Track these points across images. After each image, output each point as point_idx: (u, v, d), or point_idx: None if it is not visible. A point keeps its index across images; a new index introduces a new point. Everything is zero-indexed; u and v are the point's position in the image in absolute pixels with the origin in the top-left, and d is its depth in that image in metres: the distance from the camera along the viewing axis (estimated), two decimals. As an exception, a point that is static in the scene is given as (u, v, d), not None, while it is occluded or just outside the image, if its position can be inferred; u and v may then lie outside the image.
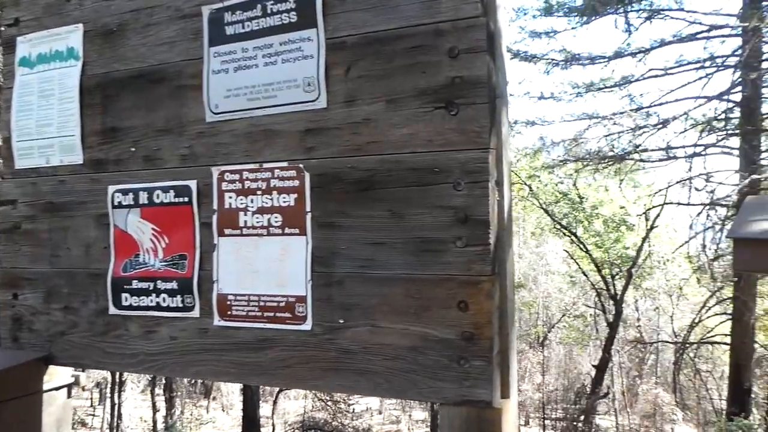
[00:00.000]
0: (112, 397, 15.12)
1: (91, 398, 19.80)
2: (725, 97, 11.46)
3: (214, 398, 20.33)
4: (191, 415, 16.64)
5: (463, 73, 1.43)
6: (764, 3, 10.75)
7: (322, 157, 1.57)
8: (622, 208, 15.28)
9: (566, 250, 16.09)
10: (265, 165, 1.65)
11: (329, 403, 15.41)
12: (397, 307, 1.49)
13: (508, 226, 1.50)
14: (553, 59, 12.20)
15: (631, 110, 12.02)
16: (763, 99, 11.34)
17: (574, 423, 14.47)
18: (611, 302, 14.31)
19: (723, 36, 11.63)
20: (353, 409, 16.22)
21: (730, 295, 12.30)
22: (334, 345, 1.55)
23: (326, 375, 1.57)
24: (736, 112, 11.82)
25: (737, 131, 11.75)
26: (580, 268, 14.84)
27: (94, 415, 18.22)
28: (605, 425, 16.53)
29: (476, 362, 1.41)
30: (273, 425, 15.70)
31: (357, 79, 1.55)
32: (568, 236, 14.62)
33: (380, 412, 20.60)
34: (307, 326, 1.59)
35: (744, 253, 1.70)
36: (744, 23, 10.42)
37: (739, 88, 11.28)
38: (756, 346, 12.58)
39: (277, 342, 1.63)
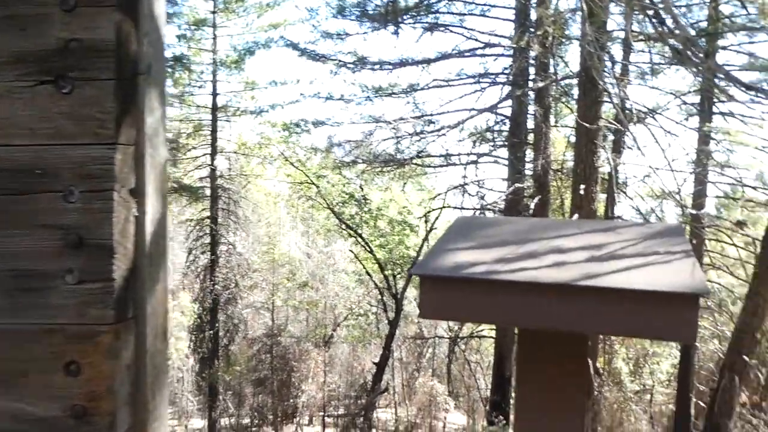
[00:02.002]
0: None
1: None
2: (496, 110, 12.32)
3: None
4: None
5: (82, 34, 0.97)
6: (531, 28, 11.73)
7: None
8: (404, 208, 15.86)
9: (352, 250, 16.31)
10: None
11: None
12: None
13: (156, 251, 1.10)
14: (341, 61, 12.18)
15: (414, 117, 12.43)
16: (528, 114, 12.38)
17: (354, 419, 14.66)
18: (393, 300, 14.73)
19: (496, 54, 12.52)
20: None
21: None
22: None
23: None
24: (506, 125, 12.81)
25: (506, 142, 12.73)
26: (364, 267, 15.11)
27: None
28: (385, 418, 17.06)
29: (89, 451, 0.98)
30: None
31: None
32: (354, 237, 14.79)
33: None
34: None
35: (431, 295, 1.49)
36: (513, 44, 11.28)
37: (508, 103, 12.20)
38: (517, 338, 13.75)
39: None
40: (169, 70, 16.23)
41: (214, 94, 17.14)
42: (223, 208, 17.38)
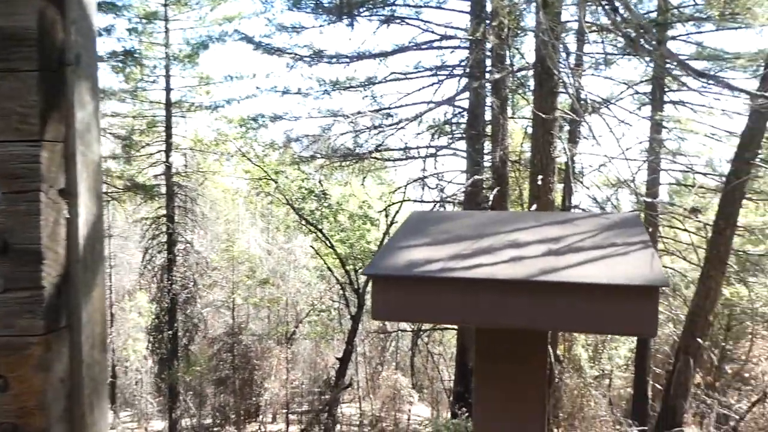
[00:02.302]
0: None
1: None
2: (454, 102, 12.35)
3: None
4: None
5: (1, 22, 0.92)
6: (487, 20, 11.79)
7: None
8: (364, 202, 15.81)
9: (312, 246, 16.19)
10: None
11: None
12: None
13: (91, 256, 1.03)
14: (297, 54, 12.03)
15: (372, 110, 12.37)
16: (486, 106, 12.44)
17: (318, 415, 14.60)
18: (355, 295, 14.69)
19: (453, 47, 12.54)
20: None
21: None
22: None
23: None
24: (464, 117, 12.85)
25: (464, 135, 12.78)
26: (325, 263, 15.02)
27: None
28: (350, 413, 17.04)
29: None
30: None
31: None
32: (314, 232, 14.68)
33: None
34: None
35: (384, 296, 1.45)
36: (470, 36, 11.32)
37: (466, 95, 12.24)
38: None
39: None
40: (120, 64, 15.80)
41: (168, 90, 16.76)
42: (179, 205, 17.03)
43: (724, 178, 13.31)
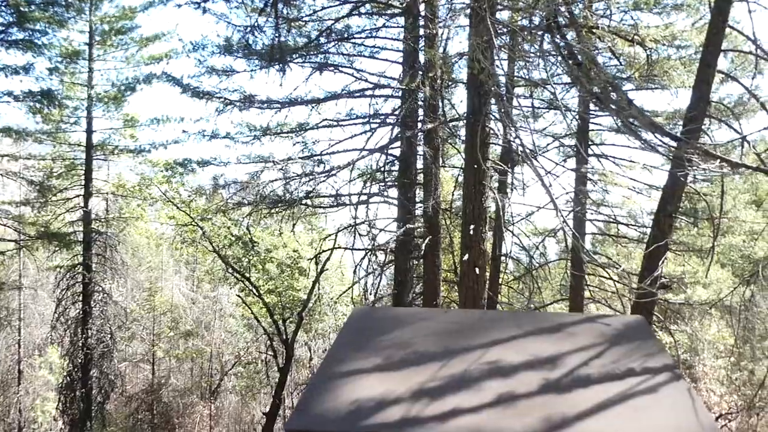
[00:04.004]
0: None
1: None
2: (386, 150, 12.34)
3: None
4: None
5: None
6: (420, 71, 11.94)
7: None
8: (294, 251, 15.46)
9: (239, 295, 15.62)
10: None
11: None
12: None
13: None
14: (227, 99, 11.78)
15: (303, 157, 12.19)
16: (418, 155, 12.49)
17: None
18: (283, 346, 14.17)
19: (386, 95, 12.61)
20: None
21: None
22: None
23: None
24: (396, 166, 12.85)
25: (396, 183, 12.75)
26: (252, 313, 14.47)
27: None
28: (277, 471, 16.24)
29: None
30: None
31: None
32: (242, 281, 14.16)
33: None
34: None
35: None
36: (403, 86, 11.40)
37: (398, 143, 12.26)
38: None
39: None
40: (38, 105, 15.06)
41: (89, 132, 16.07)
42: (98, 253, 16.14)
43: (645, 229, 13.83)
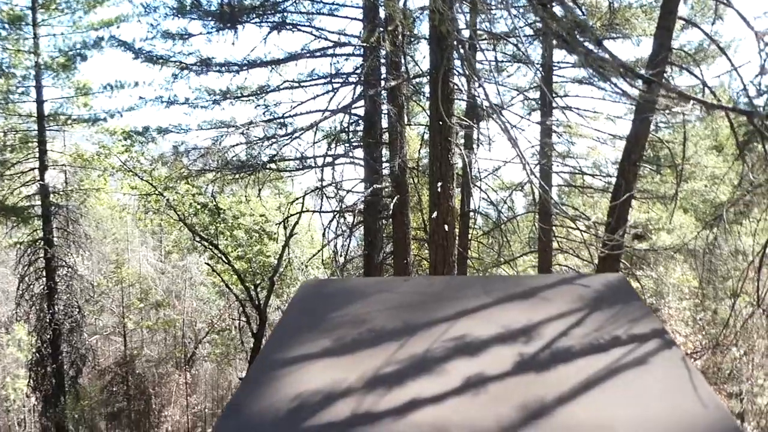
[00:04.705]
0: None
1: None
2: (350, 110, 12.12)
3: None
4: None
5: None
6: (381, 27, 11.66)
7: None
8: (262, 216, 15.26)
9: (208, 263, 15.42)
10: None
11: None
12: None
13: None
14: (183, 63, 11.35)
15: (265, 120, 11.91)
16: (382, 114, 12.31)
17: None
18: (256, 312, 14.12)
19: (347, 54, 12.31)
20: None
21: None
22: None
23: None
24: (360, 125, 12.65)
25: (361, 143, 12.58)
26: (223, 281, 14.31)
27: None
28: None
29: None
30: None
31: None
32: (210, 249, 13.96)
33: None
34: None
35: None
36: (364, 43, 11.12)
37: (362, 103, 12.04)
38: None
39: None
40: (-19, 75, 14.38)
41: (40, 101, 15.43)
42: (59, 227, 15.71)
43: (610, 179, 13.97)
